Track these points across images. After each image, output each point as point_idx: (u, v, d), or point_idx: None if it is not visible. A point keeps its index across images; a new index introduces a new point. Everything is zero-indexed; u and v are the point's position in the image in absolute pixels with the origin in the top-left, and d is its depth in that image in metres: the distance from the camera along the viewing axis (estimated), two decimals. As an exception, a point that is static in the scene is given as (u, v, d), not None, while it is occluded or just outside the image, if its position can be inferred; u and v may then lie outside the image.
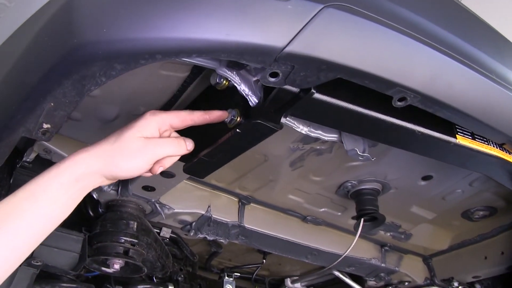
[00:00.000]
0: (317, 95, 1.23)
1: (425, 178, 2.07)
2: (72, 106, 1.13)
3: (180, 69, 1.40)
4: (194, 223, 2.24)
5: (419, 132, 1.41)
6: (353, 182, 2.15)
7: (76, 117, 1.64)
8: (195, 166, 1.51)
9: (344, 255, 2.28)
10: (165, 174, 1.83)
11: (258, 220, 2.36)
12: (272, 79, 1.16)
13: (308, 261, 2.62)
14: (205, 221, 2.24)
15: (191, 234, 2.26)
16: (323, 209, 2.40)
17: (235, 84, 1.29)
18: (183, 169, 1.51)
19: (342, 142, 1.59)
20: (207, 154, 1.44)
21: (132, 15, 1.01)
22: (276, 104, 1.29)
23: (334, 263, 2.42)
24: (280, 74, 1.15)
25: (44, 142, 1.88)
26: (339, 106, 1.28)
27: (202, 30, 1.01)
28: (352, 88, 1.26)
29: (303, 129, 1.51)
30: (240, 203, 2.32)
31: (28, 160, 1.91)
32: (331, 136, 1.57)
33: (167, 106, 1.62)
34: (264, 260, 2.88)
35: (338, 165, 2.07)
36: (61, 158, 1.96)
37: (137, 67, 1.05)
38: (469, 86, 1.33)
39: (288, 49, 1.06)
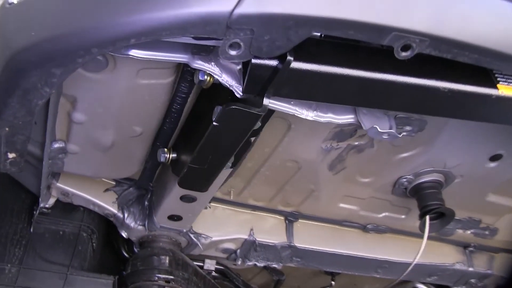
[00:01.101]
0: (297, 64, 1.08)
1: (494, 158, 1.80)
2: (28, 127, 1.08)
3: (161, 74, 1.32)
4: (238, 250, 2.12)
5: (444, 89, 1.17)
6: (409, 177, 1.93)
7: (73, 150, 1.61)
8: (187, 177, 1.41)
9: (414, 262, 2.03)
10: (186, 198, 1.74)
11: (310, 237, 2.20)
12: (234, 52, 1.02)
13: (380, 276, 2.39)
14: (250, 246, 2.11)
15: (239, 262, 2.15)
16: (383, 214, 2.19)
17: (216, 76, 1.18)
18: (177, 183, 1.42)
19: (360, 123, 1.40)
20: (194, 160, 1.33)
21: (58, 10, 0.95)
22: (255, 85, 1.14)
23: (404, 274, 2.17)
24: (242, 44, 1.01)
25: (59, 184, 1.92)
26: (328, 73, 1.11)
27: (131, 12, 0.92)
28: (341, 47, 1.11)
29: (308, 114, 1.34)
30: (287, 221, 2.17)
31: (47, 206, 1.92)
32: (345, 118, 1.39)
33: (172, 123, 1.56)
34: (333, 282, 2.68)
35: (385, 160, 1.87)
36: (82, 199, 2.00)
37: (76, 67, 0.98)
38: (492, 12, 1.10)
39: (238, 11, 0.93)
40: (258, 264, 2.15)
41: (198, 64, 1.19)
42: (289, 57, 1.06)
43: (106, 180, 2.00)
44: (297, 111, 1.32)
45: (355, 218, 2.21)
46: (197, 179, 1.43)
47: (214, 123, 1.20)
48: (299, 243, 2.16)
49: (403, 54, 1.04)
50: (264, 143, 1.77)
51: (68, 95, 1.41)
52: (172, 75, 1.34)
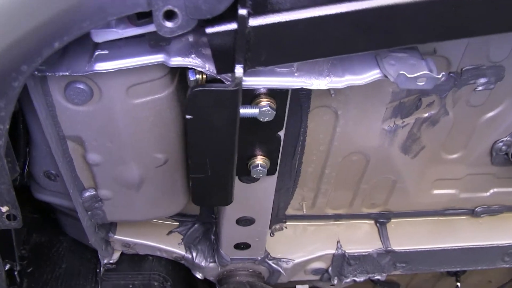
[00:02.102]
0: (258, 19, 0.94)
1: None
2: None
3: (154, 88, 1.21)
4: (330, 268, 1.93)
5: None
6: (505, 139, 1.66)
7: (105, 195, 1.54)
8: (196, 191, 1.27)
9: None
10: (242, 222, 1.62)
11: (410, 237, 1.95)
12: (171, 23, 0.91)
13: (509, 265, 2.05)
14: (341, 261, 1.91)
15: (335, 282, 1.95)
16: (491, 191, 1.89)
17: (199, 68, 1.06)
18: (191, 200, 1.28)
19: (386, 76, 1.17)
20: (193, 169, 1.19)
21: None
22: (225, 60, 1.00)
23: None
24: (175, 10, 0.89)
25: (117, 236, 1.88)
26: (307, 18, 0.95)
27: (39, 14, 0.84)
28: None
29: (319, 83, 1.14)
30: (377, 224, 1.94)
31: (111, 262, 1.89)
32: (369, 76, 1.16)
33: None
34: (459, 284, 2.35)
35: (470, 127, 1.62)
36: (146, 247, 1.94)
37: (17, 92, 0.93)
38: None
39: None
40: (357, 279, 1.94)
41: (176, 61, 1.08)
42: (240, 11, 0.91)
43: (167, 222, 1.95)
44: (304, 82, 1.13)
45: (458, 203, 1.93)
46: (209, 192, 1.29)
47: (186, 116, 1.06)
48: (397, 246, 1.92)
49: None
50: (316, 141, 1.61)
51: (72, 136, 1.36)
52: (168, 87, 1.23)
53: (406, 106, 1.54)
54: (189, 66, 1.09)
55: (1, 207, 1.16)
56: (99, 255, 1.84)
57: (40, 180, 1.64)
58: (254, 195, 1.54)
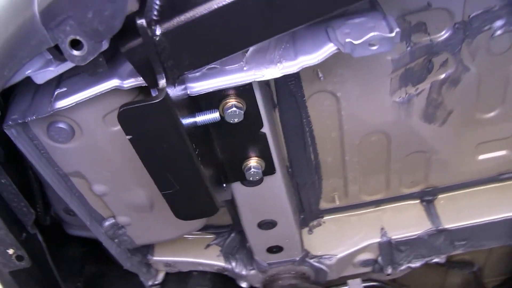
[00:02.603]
0: (165, 25, 0.90)
1: None
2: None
3: None
4: (379, 258, 1.78)
5: None
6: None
7: (125, 221, 1.54)
8: (174, 206, 1.20)
9: None
10: (263, 226, 1.54)
11: (464, 211, 1.73)
12: (79, 52, 0.88)
13: None
14: (389, 248, 1.75)
15: (389, 271, 1.79)
16: (549, 145, 1.64)
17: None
18: (175, 216, 1.23)
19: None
20: (159, 186, 1.13)
21: None
22: (149, 74, 0.97)
23: None
24: (78, 38, 0.87)
25: (156, 258, 1.87)
26: (210, 13, 0.88)
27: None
28: None
29: (272, 72, 1.04)
30: (424, 203, 1.75)
31: (156, 283, 1.88)
32: (323, 52, 1.04)
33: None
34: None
35: (501, 77, 1.42)
36: (187, 264, 1.91)
37: None
38: None
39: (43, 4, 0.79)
40: (413, 265, 1.77)
41: (129, 82, 1.04)
42: (139, 22, 0.85)
43: (204, 236, 1.91)
44: (255, 75, 1.04)
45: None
46: (187, 205, 1.20)
47: (127, 136, 1.00)
48: (450, 223, 1.72)
49: None
50: (325, 129, 1.49)
51: (72, 172, 1.37)
52: None
53: (415, 72, 1.37)
54: (143, 85, 1.05)
55: (7, 251, 1.21)
56: (141, 279, 1.85)
57: (64, 217, 1.69)
58: (264, 197, 1.45)
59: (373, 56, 1.24)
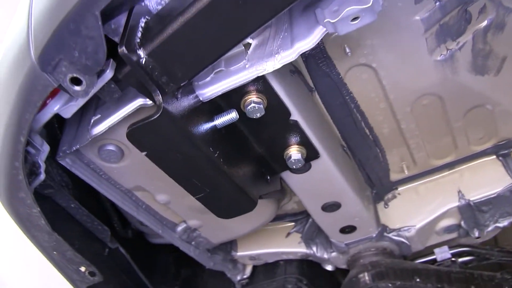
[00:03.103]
0: (148, 46, 0.95)
1: None
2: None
3: None
4: (462, 222, 1.69)
5: None
6: None
7: (196, 224, 1.66)
8: (213, 209, 1.28)
9: None
10: (327, 208, 1.53)
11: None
12: (80, 87, 0.96)
13: None
14: (470, 211, 1.66)
15: (476, 234, 1.69)
16: None
17: None
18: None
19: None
20: (192, 194, 1.20)
21: None
22: (148, 92, 1.02)
23: None
24: (77, 75, 0.95)
25: (240, 253, 1.95)
26: (187, 21, 0.91)
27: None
28: None
29: (274, 64, 1.04)
30: (500, 158, 1.63)
31: (244, 277, 1.94)
32: (316, 34, 1.00)
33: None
34: None
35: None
36: (271, 254, 1.96)
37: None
38: None
39: (39, 48, 0.90)
40: (501, 225, 1.66)
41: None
42: (119, 50, 0.91)
43: (284, 225, 1.94)
44: (257, 70, 1.04)
45: None
46: (224, 205, 1.25)
47: (143, 153, 1.08)
48: (533, 174, 1.60)
49: None
50: (371, 102, 1.46)
51: (134, 187, 1.49)
52: None
53: (452, 26, 1.30)
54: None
55: (80, 269, 1.32)
56: (228, 275, 1.92)
57: (140, 228, 1.82)
58: (318, 181, 1.45)
59: (397, 20, 1.22)
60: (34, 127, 1.14)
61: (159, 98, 1.00)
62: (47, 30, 0.91)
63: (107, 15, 0.97)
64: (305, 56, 1.34)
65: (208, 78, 1.10)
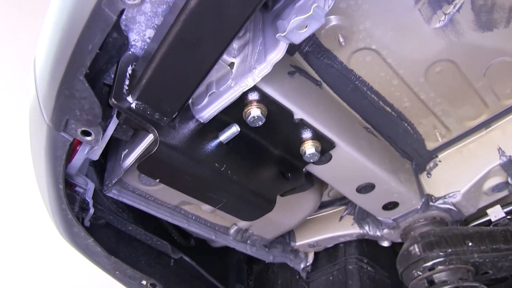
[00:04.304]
0: (134, 93, 1.04)
1: None
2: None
3: None
4: (509, 178, 1.60)
5: None
6: None
7: (245, 225, 1.73)
8: (238, 215, 1.38)
9: None
10: (362, 190, 1.53)
11: None
12: (90, 137, 1.11)
13: None
14: (513, 165, 1.58)
15: (526, 191, 1.61)
16: None
17: None
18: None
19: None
20: (211, 204, 1.30)
21: None
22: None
23: None
24: (85, 128, 1.11)
25: (299, 243, 2.01)
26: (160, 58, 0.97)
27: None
28: None
29: (254, 78, 1.07)
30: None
31: (307, 264, 1.99)
32: (280, 48, 1.01)
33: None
34: None
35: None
36: (328, 239, 1.99)
37: None
38: None
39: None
40: (550, 176, 1.57)
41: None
42: (110, 102, 1.02)
43: (335, 210, 1.96)
44: (241, 87, 1.08)
45: None
46: (245, 209, 1.32)
47: (155, 180, 1.21)
48: None
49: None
50: (383, 81, 1.45)
51: (180, 202, 1.60)
52: None
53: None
54: None
55: (142, 282, 1.45)
56: (290, 265, 1.98)
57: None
58: (344, 167, 1.46)
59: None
60: (72, 172, 1.30)
61: (155, 133, 1.09)
62: (50, 98, 1.05)
63: (103, 70, 1.08)
64: (303, 54, 1.37)
65: (204, 102, 1.17)
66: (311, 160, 1.32)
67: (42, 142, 1.16)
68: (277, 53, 1.03)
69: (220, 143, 1.21)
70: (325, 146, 1.33)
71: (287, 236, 2.01)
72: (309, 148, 1.31)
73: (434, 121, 1.59)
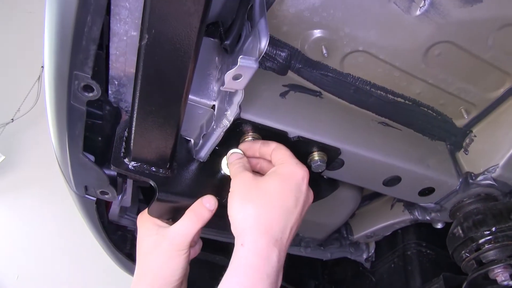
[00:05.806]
0: (130, 155, 1.18)
1: None
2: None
3: None
4: None
5: None
6: None
7: None
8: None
9: None
10: (388, 183, 1.50)
11: None
12: (108, 196, 1.30)
13: None
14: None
15: None
16: None
17: None
18: None
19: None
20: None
21: None
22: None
23: None
24: (104, 190, 1.30)
25: (356, 236, 2.01)
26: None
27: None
28: None
29: (231, 114, 1.12)
30: None
31: (369, 254, 1.99)
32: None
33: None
34: None
35: None
36: (384, 228, 1.98)
37: None
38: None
39: None
40: None
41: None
42: (109, 172, 1.23)
43: (386, 199, 1.92)
44: (221, 128, 1.16)
45: None
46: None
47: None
48: None
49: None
50: (383, 76, 1.43)
51: None
52: None
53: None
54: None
55: None
56: (352, 258, 1.99)
57: None
58: (360, 168, 1.45)
59: (356, 3, 1.21)
60: (112, 219, 1.50)
61: (153, 184, 1.21)
62: (68, 172, 1.24)
63: (110, 136, 1.24)
64: (296, 71, 1.39)
65: (200, 143, 1.28)
66: (319, 170, 1.34)
67: (76, 202, 1.36)
68: (239, 94, 1.09)
69: (224, 175, 1.30)
70: (331, 155, 1.35)
71: (344, 231, 2.04)
72: (314, 160, 1.34)
73: (455, 100, 1.52)
